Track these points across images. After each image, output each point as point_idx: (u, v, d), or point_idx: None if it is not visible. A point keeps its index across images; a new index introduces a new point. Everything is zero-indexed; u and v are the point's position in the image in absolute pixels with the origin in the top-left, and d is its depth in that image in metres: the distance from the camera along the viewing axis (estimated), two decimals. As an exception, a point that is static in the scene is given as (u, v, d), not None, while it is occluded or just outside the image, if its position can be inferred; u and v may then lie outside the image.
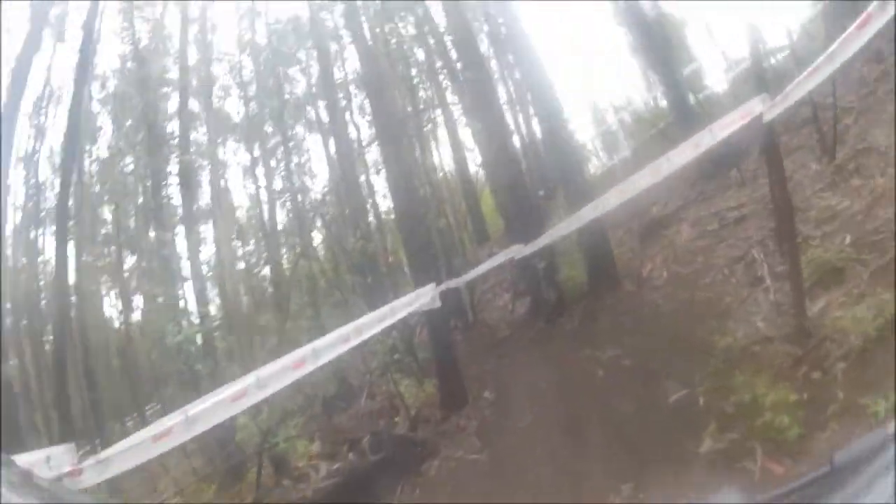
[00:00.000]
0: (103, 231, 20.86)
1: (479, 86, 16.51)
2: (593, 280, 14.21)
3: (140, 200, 19.83)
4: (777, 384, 7.91)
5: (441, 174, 24.74)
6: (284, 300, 18.44)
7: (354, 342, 8.28)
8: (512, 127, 20.11)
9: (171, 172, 18.62)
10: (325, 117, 21.60)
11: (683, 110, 18.58)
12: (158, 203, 18.16)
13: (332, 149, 21.19)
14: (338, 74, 21.47)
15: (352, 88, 21.76)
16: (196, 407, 6.22)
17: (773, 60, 19.32)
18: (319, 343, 7.89)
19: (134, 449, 5.77)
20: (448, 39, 19.50)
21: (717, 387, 8.68)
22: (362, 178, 21.06)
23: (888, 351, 6.84)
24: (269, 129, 21.27)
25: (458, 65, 18.77)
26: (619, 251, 15.05)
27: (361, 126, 21.76)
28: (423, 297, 10.64)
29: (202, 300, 17.49)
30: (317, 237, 20.56)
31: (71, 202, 18.89)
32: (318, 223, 20.92)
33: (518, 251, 12.63)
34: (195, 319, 13.83)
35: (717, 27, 23.54)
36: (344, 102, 21.47)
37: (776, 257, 10.46)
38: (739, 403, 8.12)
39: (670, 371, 9.49)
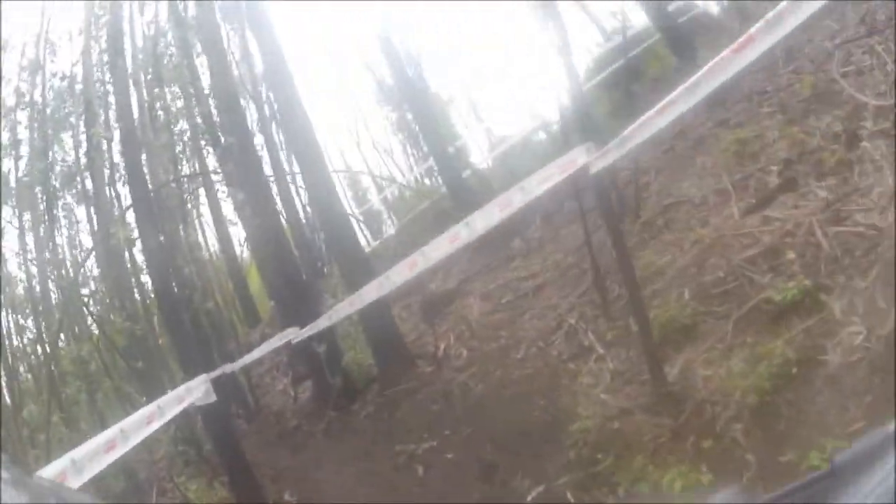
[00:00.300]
0: None
1: (243, 154, 15.09)
2: (382, 362, 13.16)
3: None
4: (666, 463, 6.89)
5: (206, 252, 23.35)
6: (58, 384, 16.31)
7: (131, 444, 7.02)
8: (277, 200, 18.63)
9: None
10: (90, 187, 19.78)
11: (455, 185, 18.63)
12: None
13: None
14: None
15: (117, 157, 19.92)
16: (79, 452, 5.78)
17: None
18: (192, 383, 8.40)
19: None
20: (212, 103, 17.83)
21: (585, 476, 7.62)
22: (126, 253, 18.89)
23: (793, 401, 6.43)
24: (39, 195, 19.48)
25: (220, 131, 16.92)
26: (403, 329, 14.09)
27: (124, 198, 19.75)
28: (195, 391, 9.48)
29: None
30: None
31: None
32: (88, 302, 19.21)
33: (294, 334, 11.51)
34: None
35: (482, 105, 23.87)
36: (108, 172, 19.39)
37: (600, 323, 9.88)
38: (634, 494, 6.95)
39: (514, 464, 8.48)
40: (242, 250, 24.33)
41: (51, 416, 12.94)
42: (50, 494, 1.50)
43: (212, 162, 21.59)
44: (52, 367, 16.14)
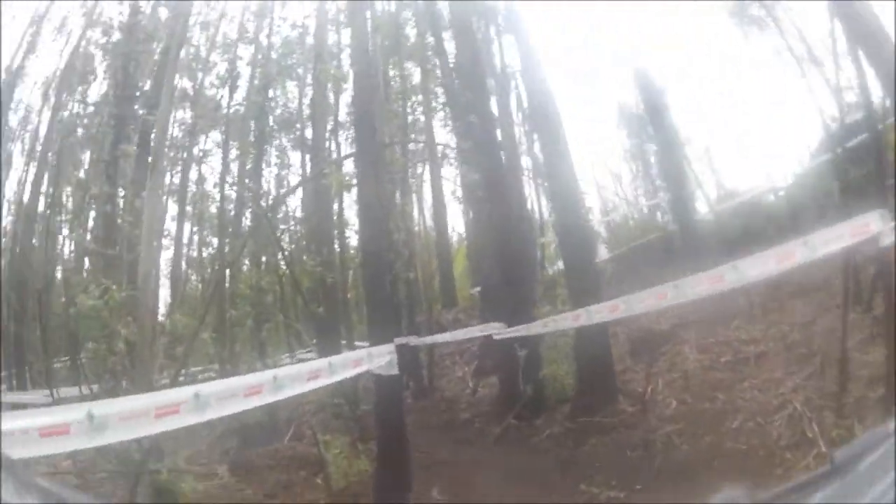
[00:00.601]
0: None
1: (484, 134, 14.58)
2: (583, 386, 12.03)
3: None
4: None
5: (418, 225, 23.53)
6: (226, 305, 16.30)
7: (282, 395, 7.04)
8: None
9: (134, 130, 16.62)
10: (309, 136, 20.52)
11: (687, 225, 17.84)
12: (115, 158, 16.17)
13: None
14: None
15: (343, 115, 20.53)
16: (208, 388, 5.95)
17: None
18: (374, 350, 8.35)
19: (134, 420, 5.36)
20: (457, 83, 16.99)
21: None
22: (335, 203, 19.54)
23: None
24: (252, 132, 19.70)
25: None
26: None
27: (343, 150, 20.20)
28: (377, 359, 9.06)
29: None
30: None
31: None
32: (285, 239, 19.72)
33: (499, 329, 11.16)
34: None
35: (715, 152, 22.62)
36: (331, 126, 20.25)
37: (827, 416, 8.72)
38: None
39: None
40: (454, 231, 24.55)
41: (200, 331, 12.34)
42: (50, 495, 1.54)
43: (441, 138, 21.71)
44: (226, 285, 16.12)
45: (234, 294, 16.17)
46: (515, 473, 10.20)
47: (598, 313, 8.44)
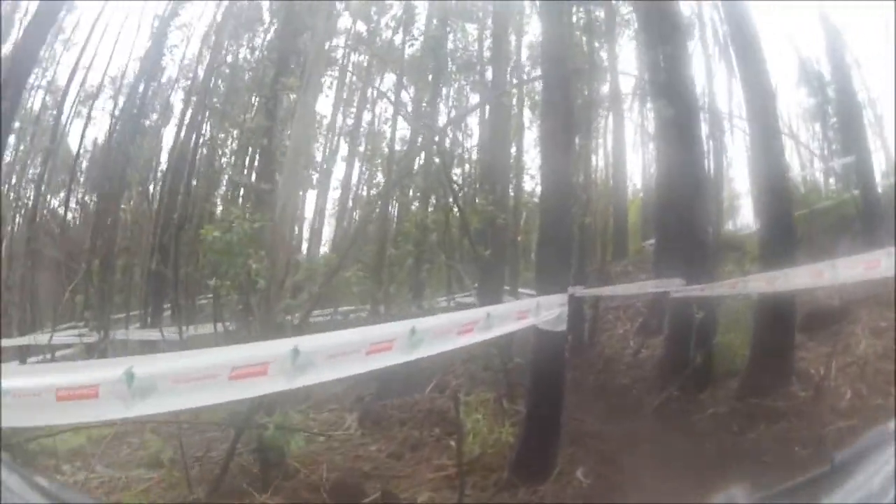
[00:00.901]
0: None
1: (680, 81, 13.03)
2: (757, 363, 10.77)
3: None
4: None
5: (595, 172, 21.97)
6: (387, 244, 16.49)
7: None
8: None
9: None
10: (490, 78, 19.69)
11: (870, 194, 15.74)
12: (275, 93, 15.80)
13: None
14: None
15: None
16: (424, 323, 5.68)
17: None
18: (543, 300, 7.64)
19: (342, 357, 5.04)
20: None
21: None
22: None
23: None
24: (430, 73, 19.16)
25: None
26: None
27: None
28: (544, 312, 7.97)
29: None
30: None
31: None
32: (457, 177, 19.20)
33: (679, 286, 9.95)
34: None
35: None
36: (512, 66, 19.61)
37: None
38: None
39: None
40: (631, 182, 23.52)
41: (342, 268, 10.90)
42: (51, 495, 1.54)
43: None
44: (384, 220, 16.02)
45: (398, 232, 15.90)
46: (669, 459, 8.87)
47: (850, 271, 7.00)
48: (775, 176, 11.58)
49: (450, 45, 19.41)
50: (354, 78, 21.45)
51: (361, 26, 19.41)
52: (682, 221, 12.66)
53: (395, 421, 11.19)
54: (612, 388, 12.59)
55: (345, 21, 18.51)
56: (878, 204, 15.37)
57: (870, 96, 19.13)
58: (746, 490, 1.59)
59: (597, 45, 19.07)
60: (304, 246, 20.48)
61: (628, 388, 12.45)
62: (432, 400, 11.82)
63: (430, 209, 17.55)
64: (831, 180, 21.55)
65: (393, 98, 19.97)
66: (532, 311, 7.68)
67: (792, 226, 11.67)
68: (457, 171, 19.60)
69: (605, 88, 20.05)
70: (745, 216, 24.41)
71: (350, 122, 22.01)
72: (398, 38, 19.77)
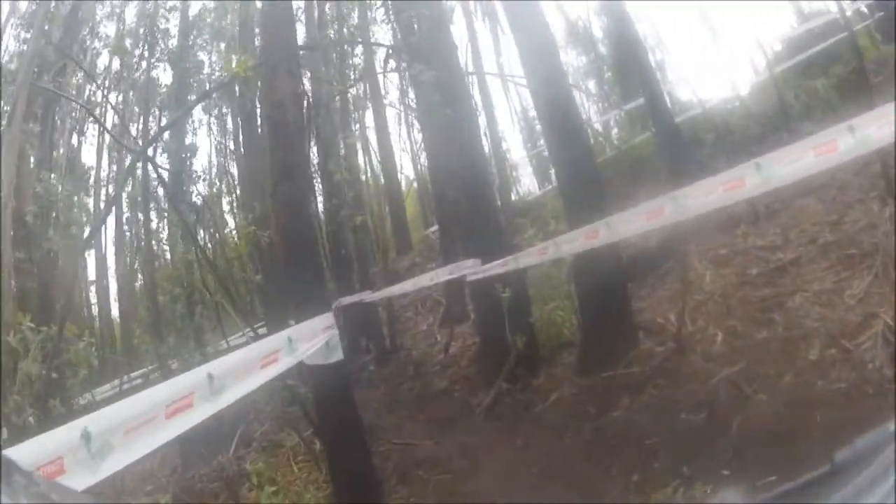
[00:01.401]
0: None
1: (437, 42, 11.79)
2: (591, 329, 9.37)
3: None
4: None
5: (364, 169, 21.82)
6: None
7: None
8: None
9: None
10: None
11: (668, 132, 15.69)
12: None
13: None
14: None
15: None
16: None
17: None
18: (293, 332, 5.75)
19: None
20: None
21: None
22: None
23: None
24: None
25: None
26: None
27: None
28: (308, 342, 6.00)
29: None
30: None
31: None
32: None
33: (475, 268, 8.82)
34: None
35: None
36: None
37: None
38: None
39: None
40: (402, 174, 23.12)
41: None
42: (51, 495, 1.48)
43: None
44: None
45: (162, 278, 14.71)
46: (529, 467, 7.36)
47: (623, 224, 6.55)
48: (569, 128, 10.14)
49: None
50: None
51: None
52: (462, 198, 11.27)
53: (209, 494, 9.78)
54: (431, 397, 11.00)
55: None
56: (677, 137, 15.55)
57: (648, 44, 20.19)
58: (745, 491, 1.44)
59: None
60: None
61: (449, 393, 10.90)
62: (239, 460, 10.47)
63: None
64: (614, 131, 22.52)
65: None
66: (284, 350, 5.51)
67: (597, 174, 10.37)
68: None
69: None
70: (525, 183, 25.63)
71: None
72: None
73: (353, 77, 20.39)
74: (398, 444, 9.16)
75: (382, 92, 21.55)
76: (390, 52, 17.46)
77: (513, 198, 20.25)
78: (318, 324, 6.27)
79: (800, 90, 15.24)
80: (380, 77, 20.48)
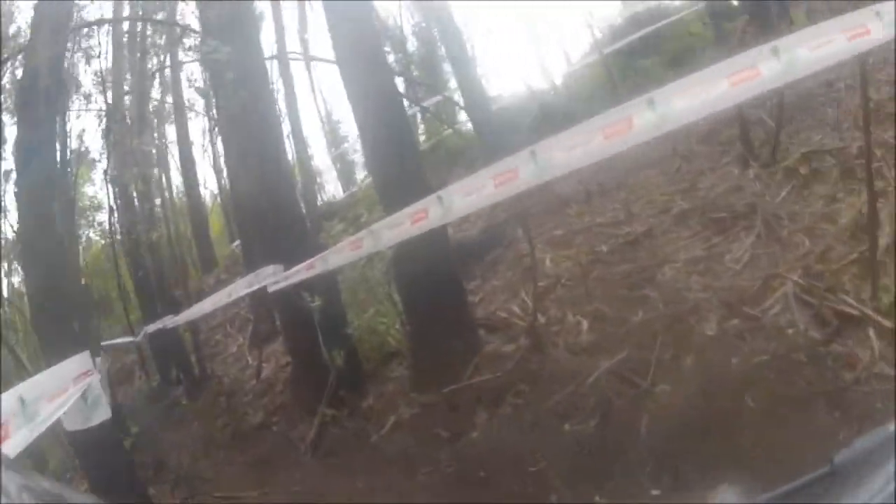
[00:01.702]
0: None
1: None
2: (421, 336, 8.28)
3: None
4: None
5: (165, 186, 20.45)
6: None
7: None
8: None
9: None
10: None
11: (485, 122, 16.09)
12: None
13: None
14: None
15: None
16: None
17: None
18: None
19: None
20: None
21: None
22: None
23: None
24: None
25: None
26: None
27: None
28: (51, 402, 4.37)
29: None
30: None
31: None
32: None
33: (276, 276, 7.79)
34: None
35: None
36: None
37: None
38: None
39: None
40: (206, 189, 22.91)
41: None
42: (51, 495, 1.42)
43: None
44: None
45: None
46: None
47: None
48: (388, 116, 9.00)
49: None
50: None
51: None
52: (262, 203, 9.75)
53: None
54: (247, 435, 9.51)
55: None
56: (494, 125, 15.63)
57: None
58: (744, 491, 1.44)
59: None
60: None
61: (268, 426, 9.49)
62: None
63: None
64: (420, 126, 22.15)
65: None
66: (16, 418, 3.85)
67: (417, 157, 9.52)
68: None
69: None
70: (329, 189, 25.32)
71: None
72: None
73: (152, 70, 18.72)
74: (220, 499, 7.81)
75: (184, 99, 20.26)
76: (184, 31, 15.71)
77: (318, 203, 19.86)
78: (65, 372, 4.65)
79: (630, 70, 15.42)
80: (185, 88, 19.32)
